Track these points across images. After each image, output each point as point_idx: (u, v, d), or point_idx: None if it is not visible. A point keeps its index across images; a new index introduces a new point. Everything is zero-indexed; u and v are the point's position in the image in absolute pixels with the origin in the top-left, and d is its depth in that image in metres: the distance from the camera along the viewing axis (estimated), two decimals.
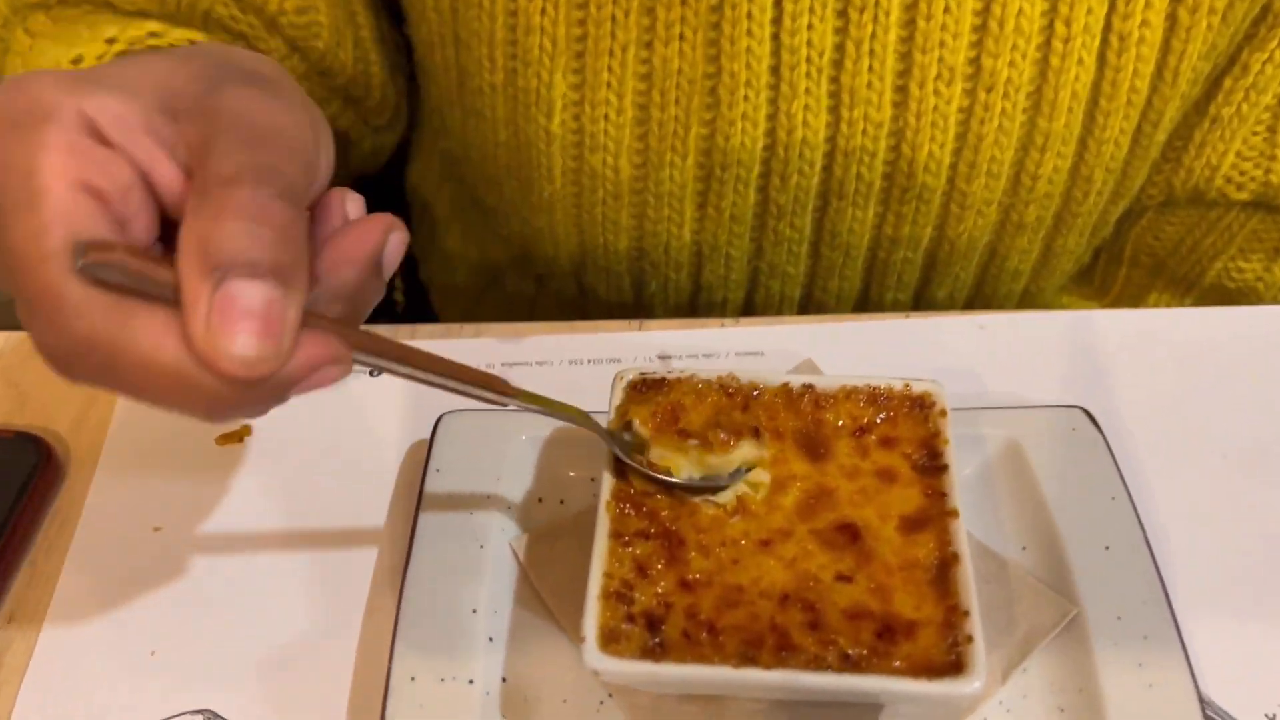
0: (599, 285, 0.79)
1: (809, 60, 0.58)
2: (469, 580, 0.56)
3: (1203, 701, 0.51)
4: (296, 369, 0.37)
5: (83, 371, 0.38)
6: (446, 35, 0.64)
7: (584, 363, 0.70)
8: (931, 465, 0.55)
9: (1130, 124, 0.60)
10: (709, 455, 0.54)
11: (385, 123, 0.79)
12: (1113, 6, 0.56)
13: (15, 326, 0.68)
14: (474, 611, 0.55)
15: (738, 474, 0.55)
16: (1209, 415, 0.67)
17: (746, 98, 0.59)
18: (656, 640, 0.49)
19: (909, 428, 0.57)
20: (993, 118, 0.59)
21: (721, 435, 0.54)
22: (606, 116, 0.62)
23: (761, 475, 0.54)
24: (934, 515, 0.52)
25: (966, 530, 0.52)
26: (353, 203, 0.44)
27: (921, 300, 0.78)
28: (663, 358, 0.71)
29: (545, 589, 0.57)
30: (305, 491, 0.63)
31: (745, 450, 0.55)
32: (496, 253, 0.87)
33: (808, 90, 0.59)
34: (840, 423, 0.57)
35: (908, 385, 0.57)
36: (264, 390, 0.37)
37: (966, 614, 0.48)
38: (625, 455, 0.54)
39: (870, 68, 0.58)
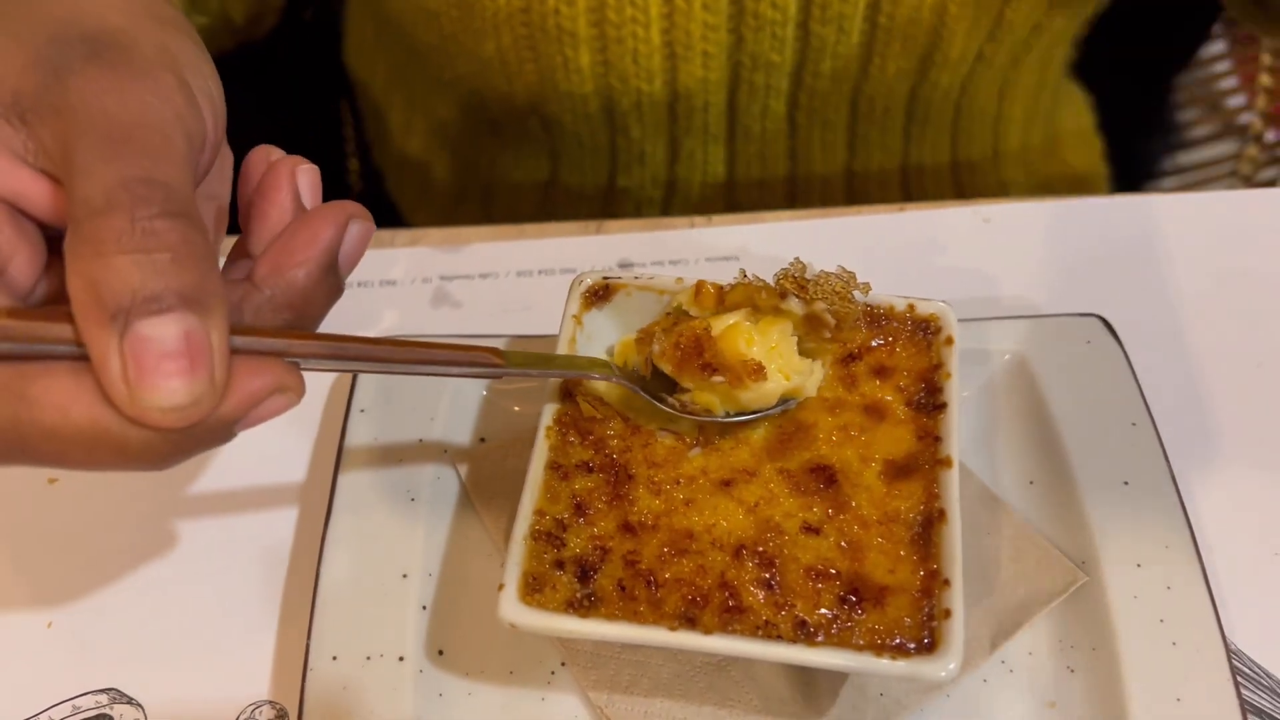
0: (563, 116, 0.71)
1: None
2: (398, 540, 0.49)
3: (1231, 654, 0.45)
4: (235, 406, 0.34)
5: None
6: None
7: (535, 273, 0.62)
8: (929, 403, 0.47)
9: None
10: (740, 391, 0.46)
11: None
12: None
13: None
14: (404, 576, 0.48)
15: (786, 403, 0.47)
16: (1248, 316, 0.59)
17: None
18: (586, 592, 0.43)
19: (908, 356, 0.49)
20: None
21: (748, 366, 0.46)
22: None
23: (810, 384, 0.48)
24: (924, 462, 0.45)
25: (965, 465, 0.45)
26: (305, 178, 0.39)
27: (925, 79, 0.70)
28: (624, 265, 0.63)
29: (489, 516, 0.50)
30: None
31: (777, 381, 0.47)
32: (444, 109, 0.79)
33: None
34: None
35: (912, 306, 0.49)
36: (203, 432, 0.33)
37: (947, 583, 0.41)
38: (660, 400, 0.47)
39: None
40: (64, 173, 0.34)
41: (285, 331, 0.36)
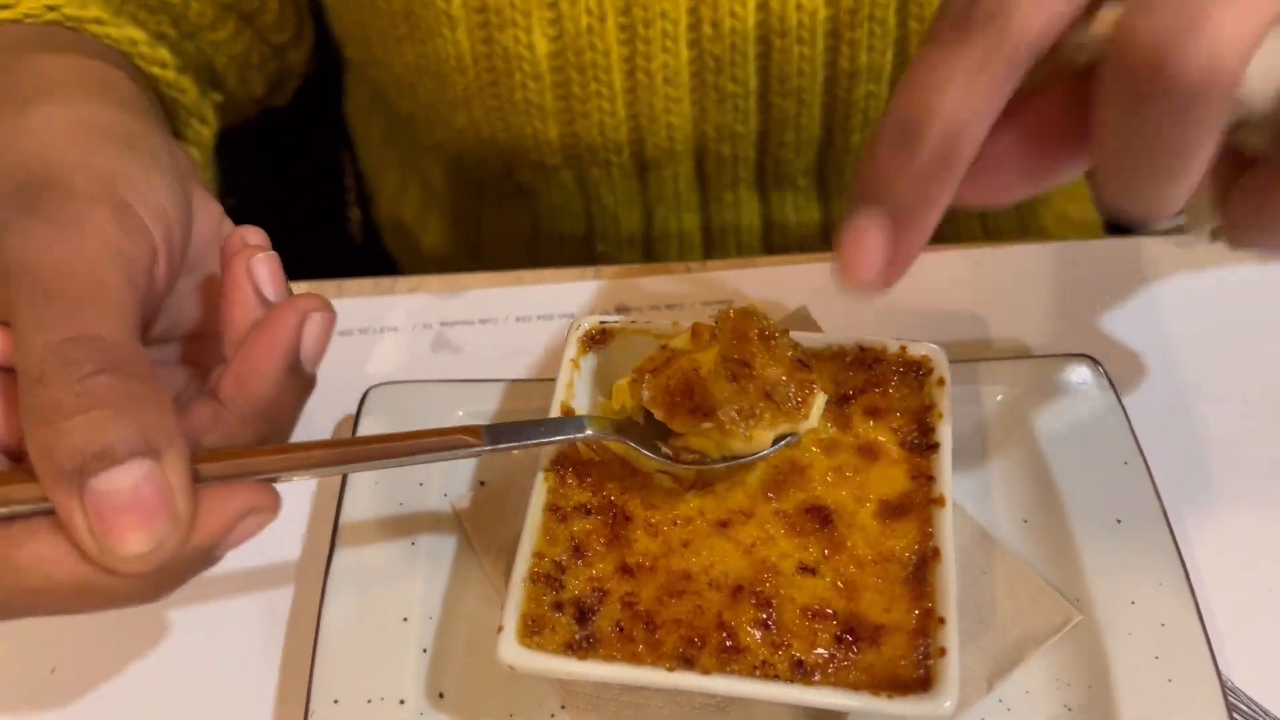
0: (537, 183, 0.72)
1: None
2: (399, 583, 0.50)
3: (1228, 691, 0.45)
4: (207, 537, 0.35)
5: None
6: None
7: (534, 319, 0.63)
8: (922, 443, 0.48)
9: None
10: (730, 440, 0.46)
11: (288, 39, 0.73)
12: None
13: None
14: (405, 620, 0.49)
15: (784, 440, 0.47)
16: (1233, 355, 0.60)
17: None
18: (585, 633, 0.43)
19: (901, 397, 0.50)
20: None
21: (735, 415, 0.46)
22: None
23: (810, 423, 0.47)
24: (918, 502, 0.46)
25: (959, 505, 0.45)
26: (263, 269, 0.40)
27: None
28: (622, 310, 0.64)
29: (488, 559, 0.50)
30: None
31: (770, 424, 0.46)
32: (432, 170, 0.80)
33: None
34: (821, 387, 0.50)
35: (904, 348, 0.50)
36: (182, 565, 0.35)
37: (942, 621, 0.42)
38: (651, 451, 0.47)
39: None
40: (12, 332, 0.36)
41: (254, 450, 0.37)
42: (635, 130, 0.67)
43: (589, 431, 0.46)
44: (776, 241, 0.78)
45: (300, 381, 0.39)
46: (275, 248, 0.42)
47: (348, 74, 0.86)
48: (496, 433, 0.43)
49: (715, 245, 0.78)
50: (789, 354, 0.47)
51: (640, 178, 0.72)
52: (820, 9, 0.61)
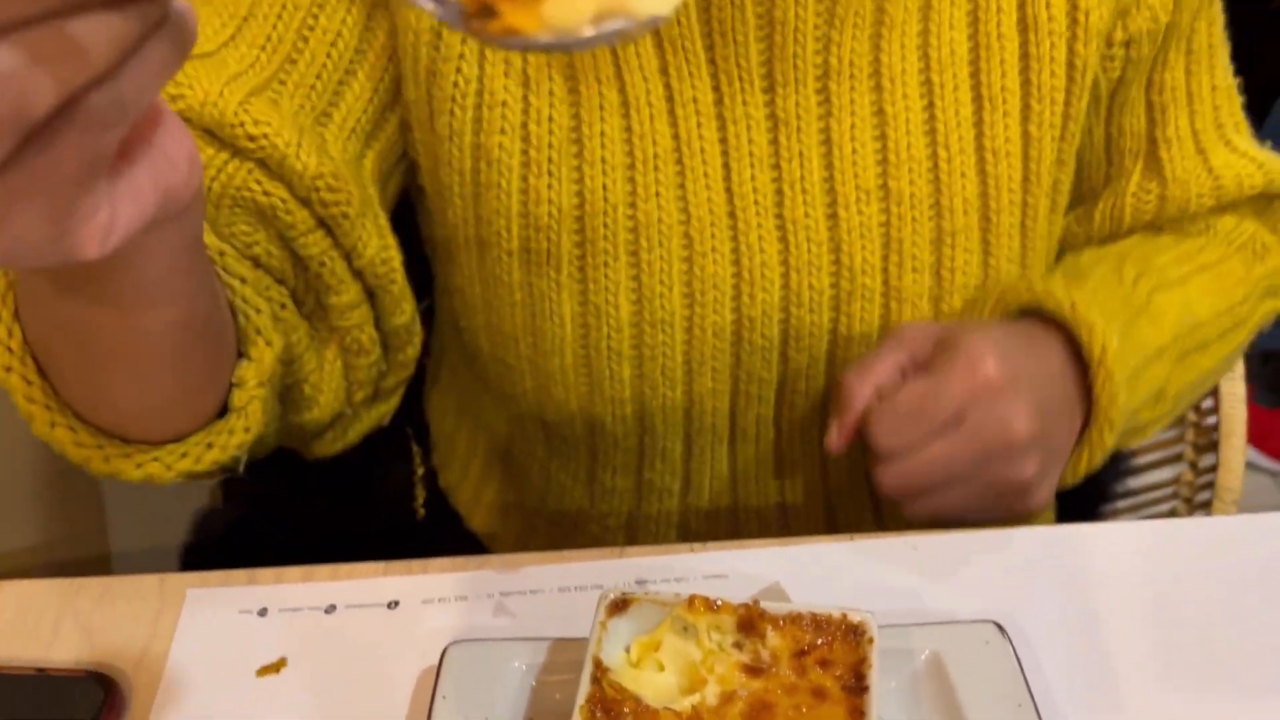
0: (605, 416, 0.86)
1: (756, 202, 0.73)
2: None
3: None
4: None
5: None
6: (468, 215, 0.75)
7: (572, 590, 0.82)
8: (857, 686, 0.65)
9: (1015, 220, 0.74)
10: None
11: (404, 324, 0.79)
12: (979, 130, 0.72)
13: (91, 571, 0.81)
14: None
15: (614, 27, 0.35)
16: (1121, 627, 0.77)
17: (713, 234, 0.73)
18: None
19: (843, 652, 0.67)
20: (906, 225, 0.73)
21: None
22: (605, 264, 0.74)
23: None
24: None
25: None
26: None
27: None
28: (640, 583, 0.82)
29: None
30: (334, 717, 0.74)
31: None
32: (501, 424, 0.94)
33: (759, 224, 0.73)
34: (785, 644, 0.68)
35: (845, 615, 0.68)
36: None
37: None
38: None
39: (804, 199, 0.73)
40: None
41: None
42: (688, 372, 0.82)
43: None
44: (787, 487, 0.92)
45: None
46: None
47: (430, 361, 0.97)
48: None
49: (738, 483, 0.92)
50: None
51: (686, 411, 0.86)
52: (825, 289, 0.77)
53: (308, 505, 1.05)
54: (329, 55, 0.65)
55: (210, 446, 0.62)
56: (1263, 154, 0.84)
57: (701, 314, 0.77)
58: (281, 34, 0.64)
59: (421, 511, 1.20)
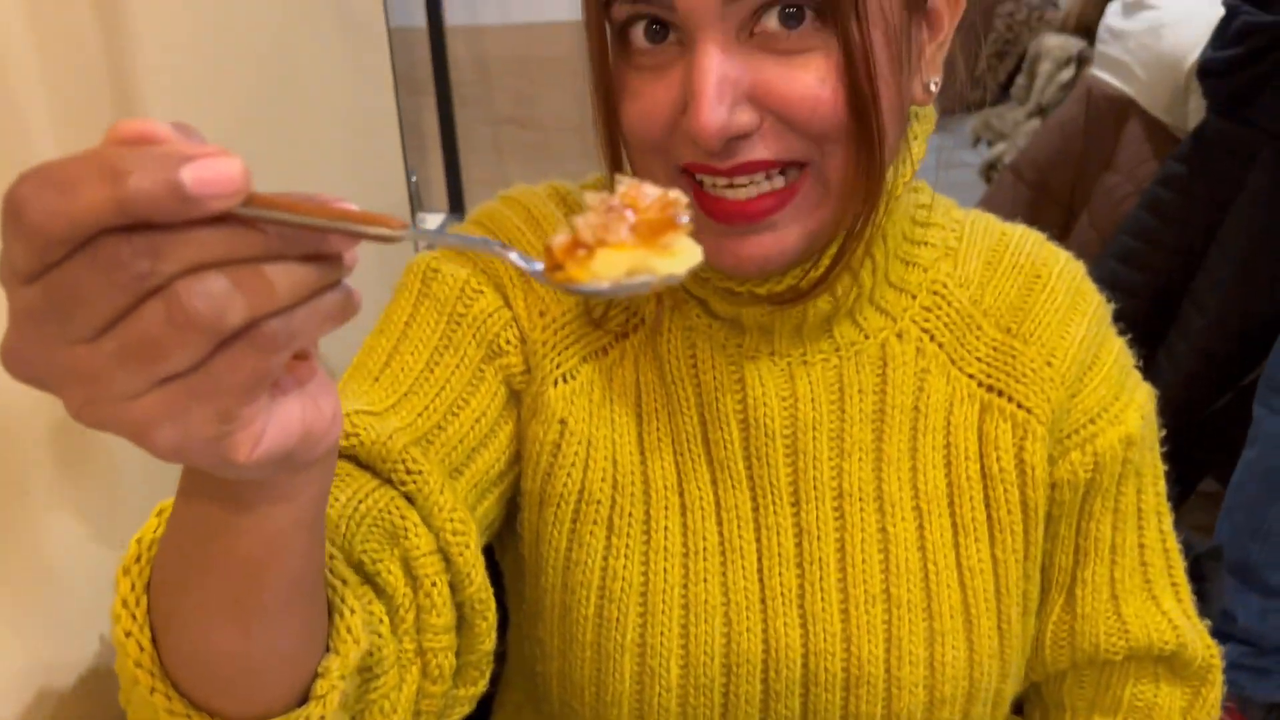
0: None
1: (783, 595, 0.83)
2: None
3: None
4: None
5: None
6: (556, 583, 0.85)
7: None
8: None
9: (993, 623, 0.84)
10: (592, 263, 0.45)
11: (485, 654, 0.83)
12: (958, 551, 0.83)
13: None
14: None
15: (642, 280, 0.45)
16: None
17: (747, 617, 0.83)
18: None
19: None
20: (904, 625, 0.82)
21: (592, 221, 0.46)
22: (661, 634, 0.84)
23: None
24: None
25: None
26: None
27: None
28: None
29: None
30: None
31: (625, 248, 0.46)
32: None
33: (785, 614, 0.83)
34: None
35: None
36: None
37: None
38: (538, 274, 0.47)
39: (823, 598, 0.82)
40: None
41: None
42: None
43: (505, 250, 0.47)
44: None
45: None
46: None
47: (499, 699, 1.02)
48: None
49: None
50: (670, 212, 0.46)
51: None
52: (838, 673, 0.83)
53: None
54: (471, 429, 0.79)
55: None
56: (1186, 621, 0.90)
57: (735, 683, 0.84)
58: (436, 407, 0.78)
59: None
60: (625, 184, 0.45)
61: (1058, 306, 0.83)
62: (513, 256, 0.46)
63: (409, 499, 0.72)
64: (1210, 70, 2.03)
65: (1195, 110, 2.23)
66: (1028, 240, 0.87)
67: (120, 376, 0.38)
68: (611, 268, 0.44)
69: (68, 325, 0.37)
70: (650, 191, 0.45)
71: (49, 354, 0.38)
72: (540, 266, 0.45)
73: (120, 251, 0.36)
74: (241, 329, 0.38)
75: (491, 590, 0.78)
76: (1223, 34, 2.02)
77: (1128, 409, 0.84)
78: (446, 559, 0.73)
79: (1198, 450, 2.14)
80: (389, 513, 0.70)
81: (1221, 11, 2.04)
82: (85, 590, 0.86)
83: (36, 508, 0.84)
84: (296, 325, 0.40)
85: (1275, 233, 1.98)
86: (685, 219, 0.45)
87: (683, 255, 0.45)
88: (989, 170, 2.95)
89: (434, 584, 0.72)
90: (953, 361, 0.82)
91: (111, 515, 0.91)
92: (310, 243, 0.39)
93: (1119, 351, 0.86)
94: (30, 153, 0.81)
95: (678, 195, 0.45)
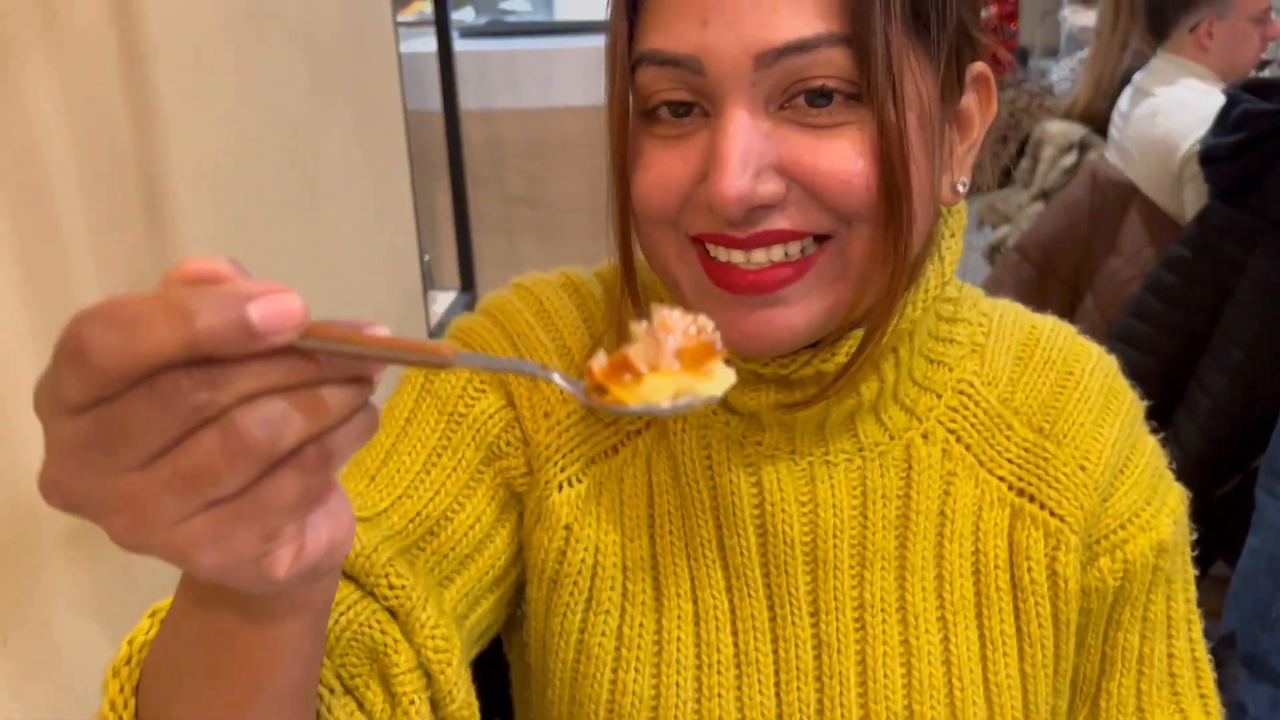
0: None
1: (801, 711, 0.79)
2: None
3: None
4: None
5: None
6: (564, 694, 0.82)
7: None
8: None
9: None
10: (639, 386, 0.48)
11: None
12: (985, 666, 0.79)
13: None
14: None
15: (685, 401, 0.48)
16: None
17: None
18: None
19: None
20: None
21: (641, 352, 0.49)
22: None
23: None
24: None
25: None
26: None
27: None
28: None
29: None
30: None
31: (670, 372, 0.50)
32: None
33: None
34: None
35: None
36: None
37: None
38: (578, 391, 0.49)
39: (842, 714, 0.79)
40: None
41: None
42: None
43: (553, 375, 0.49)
44: None
45: None
46: None
47: None
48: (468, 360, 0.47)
49: None
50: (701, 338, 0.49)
51: None
52: None
53: None
54: (464, 537, 0.76)
55: None
56: None
57: None
58: (430, 513, 0.75)
59: None
60: (659, 315, 0.48)
61: (1091, 406, 0.80)
62: (556, 378, 0.48)
63: (391, 613, 0.70)
64: (1212, 156, 2.07)
65: (1191, 200, 2.26)
66: (1059, 334, 0.83)
67: (168, 502, 0.38)
68: (657, 392, 0.47)
69: (117, 455, 0.38)
70: (678, 317, 0.48)
71: (94, 483, 0.39)
72: (581, 386, 0.47)
73: (180, 385, 0.37)
74: (289, 452, 0.39)
75: (476, 707, 0.75)
76: (1224, 121, 2.06)
77: (1159, 514, 0.81)
78: (428, 675, 0.71)
79: (1208, 534, 2.12)
80: (369, 627, 0.69)
81: (1214, 102, 2.08)
82: (94, 669, 0.86)
83: (49, 586, 0.84)
84: (338, 445, 0.41)
85: (1278, 317, 2.00)
86: (720, 345, 0.48)
87: (719, 378, 0.48)
88: (993, 252, 2.98)
89: (412, 702, 0.70)
90: (981, 464, 0.79)
91: (124, 595, 0.91)
92: (355, 367, 0.40)
93: (1151, 452, 0.82)
94: (63, 239, 0.83)
95: (704, 320, 0.48)
